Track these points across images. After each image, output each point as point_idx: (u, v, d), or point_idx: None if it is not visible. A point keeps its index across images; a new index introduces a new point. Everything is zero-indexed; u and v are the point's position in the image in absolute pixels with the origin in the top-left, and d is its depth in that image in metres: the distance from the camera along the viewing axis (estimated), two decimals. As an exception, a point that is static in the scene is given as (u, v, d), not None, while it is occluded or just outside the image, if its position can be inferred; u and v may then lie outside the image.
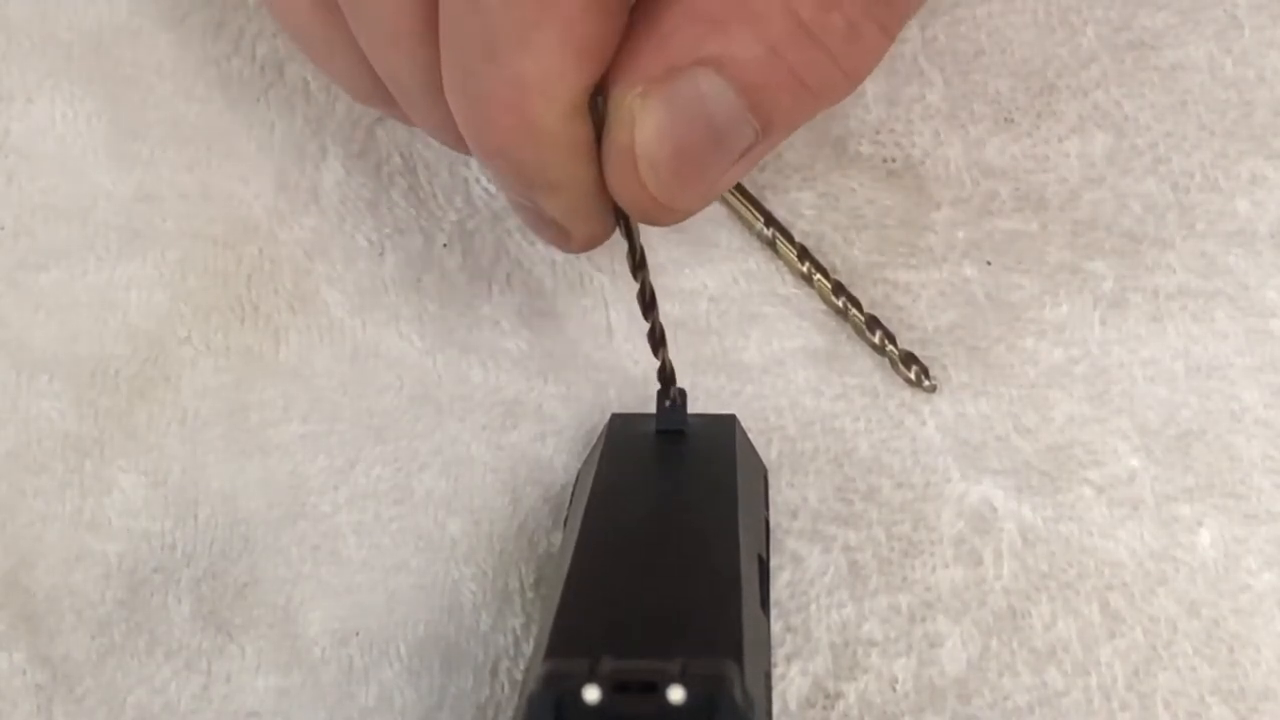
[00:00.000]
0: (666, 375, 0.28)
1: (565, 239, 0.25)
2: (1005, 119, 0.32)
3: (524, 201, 0.24)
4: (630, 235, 0.25)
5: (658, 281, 0.30)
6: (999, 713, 0.27)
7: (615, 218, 0.25)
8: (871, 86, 0.32)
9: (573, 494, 0.29)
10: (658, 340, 0.27)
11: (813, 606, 0.28)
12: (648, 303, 0.27)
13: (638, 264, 0.26)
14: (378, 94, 0.26)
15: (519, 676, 0.28)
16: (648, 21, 0.22)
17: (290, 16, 0.26)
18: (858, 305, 0.30)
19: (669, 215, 0.24)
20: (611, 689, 0.19)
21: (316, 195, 0.32)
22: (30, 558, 0.29)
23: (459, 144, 0.24)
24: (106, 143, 0.33)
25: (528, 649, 0.28)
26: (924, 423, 0.30)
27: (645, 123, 0.22)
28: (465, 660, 0.28)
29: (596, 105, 0.22)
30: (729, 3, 0.21)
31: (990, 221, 0.31)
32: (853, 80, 0.22)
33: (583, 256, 0.32)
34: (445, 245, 0.32)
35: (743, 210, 0.31)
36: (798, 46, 0.21)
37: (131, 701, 0.28)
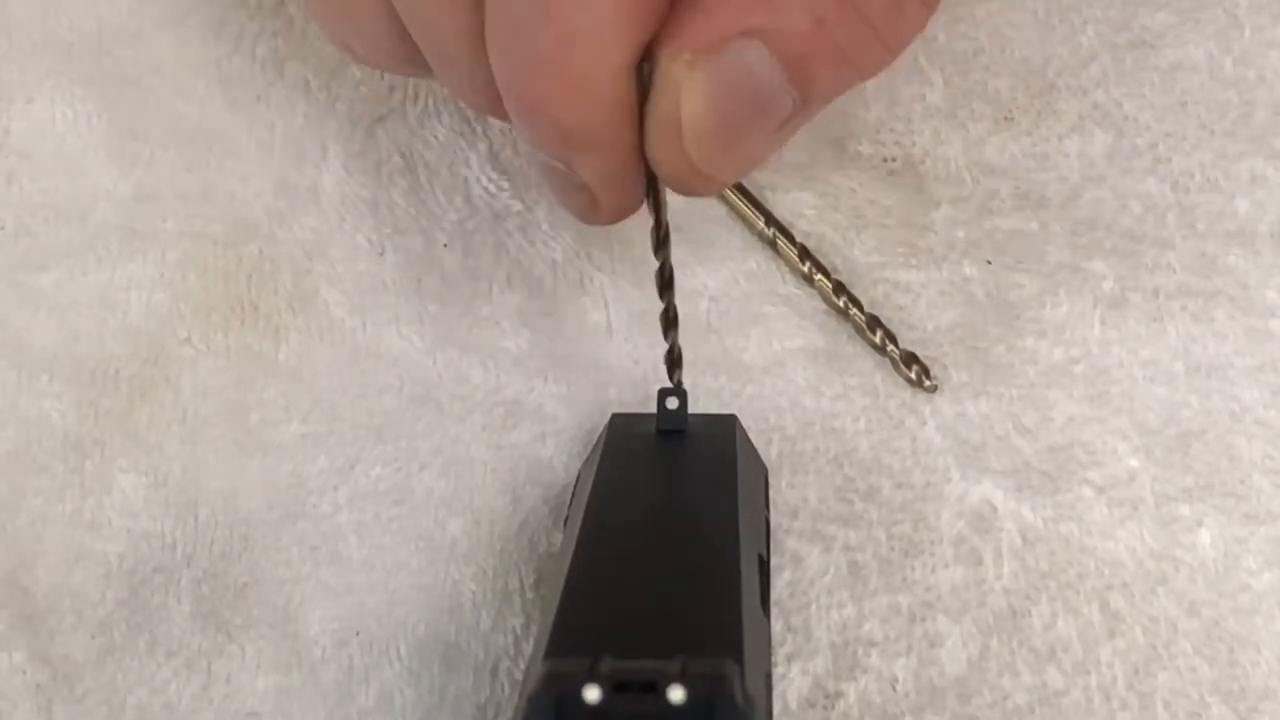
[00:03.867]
0: (675, 358, 0.28)
1: (594, 208, 0.25)
2: (1005, 118, 0.32)
3: (557, 164, 0.24)
4: (658, 210, 0.25)
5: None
6: (999, 713, 0.27)
7: (645, 190, 0.25)
8: (871, 86, 0.32)
9: (573, 494, 0.29)
10: (670, 321, 0.27)
11: (813, 606, 0.28)
12: (665, 282, 0.26)
13: (661, 241, 0.26)
14: (401, 55, 0.25)
15: (519, 676, 0.28)
16: None
17: None
18: (858, 305, 0.30)
19: (707, 185, 0.24)
20: (611, 689, 0.19)
21: (316, 195, 0.32)
22: (30, 558, 0.29)
23: (490, 104, 0.24)
24: (106, 143, 0.33)
25: (528, 649, 0.28)
26: (924, 423, 0.30)
27: (692, 91, 0.22)
28: (465, 660, 0.28)
29: (642, 71, 0.22)
30: None
31: (990, 221, 0.31)
32: (893, 53, 0.22)
33: (582, 256, 0.32)
34: (445, 245, 0.32)
35: (743, 210, 0.31)
36: (843, 20, 0.21)
37: (131, 701, 0.28)
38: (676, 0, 0.22)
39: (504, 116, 0.24)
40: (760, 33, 0.21)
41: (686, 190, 0.24)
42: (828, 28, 0.22)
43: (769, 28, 0.21)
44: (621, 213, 0.25)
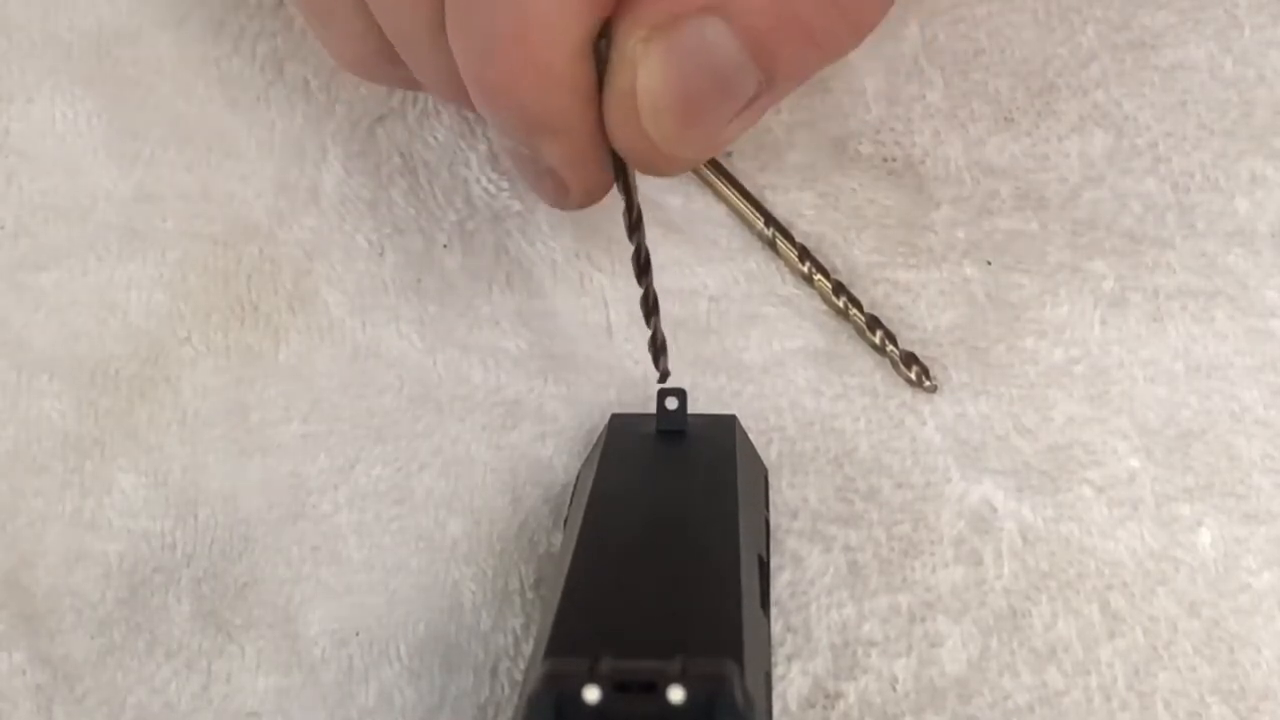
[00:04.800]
0: (659, 345, 0.27)
1: (563, 192, 0.25)
2: (1005, 118, 0.32)
3: (523, 149, 0.24)
4: (628, 192, 0.25)
5: (658, 281, 0.30)
6: (999, 713, 0.27)
7: (615, 173, 0.25)
8: (871, 86, 0.32)
9: (573, 494, 0.29)
10: (651, 307, 0.27)
11: (813, 606, 0.28)
12: (642, 266, 0.26)
13: (634, 224, 0.26)
14: (379, 56, 0.25)
15: (519, 676, 0.28)
16: None
17: None
18: (858, 305, 0.30)
19: (669, 164, 0.24)
20: (611, 689, 0.19)
21: (316, 195, 0.32)
22: (30, 558, 0.29)
23: (460, 96, 0.24)
24: (106, 143, 0.33)
25: (528, 649, 0.28)
26: (924, 423, 0.30)
27: (648, 68, 0.22)
28: (465, 660, 0.28)
29: (600, 49, 0.22)
30: None
31: (990, 221, 0.31)
32: (858, 33, 0.22)
33: (582, 256, 0.32)
34: (445, 245, 0.32)
35: (743, 210, 0.31)
36: None
37: (131, 701, 0.28)
38: None
39: (474, 107, 0.24)
40: (719, 9, 0.21)
41: (651, 170, 0.24)
42: (791, 5, 0.21)
43: (729, 4, 0.21)
44: (591, 196, 0.25)
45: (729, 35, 0.21)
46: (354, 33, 0.25)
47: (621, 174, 0.25)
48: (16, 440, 0.30)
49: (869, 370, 0.30)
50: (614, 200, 0.32)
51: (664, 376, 0.28)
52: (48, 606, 0.29)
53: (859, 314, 0.30)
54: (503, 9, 0.21)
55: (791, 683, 0.28)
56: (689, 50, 0.22)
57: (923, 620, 0.28)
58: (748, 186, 0.32)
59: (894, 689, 0.28)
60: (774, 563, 0.29)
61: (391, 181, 0.32)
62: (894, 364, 0.30)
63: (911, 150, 0.32)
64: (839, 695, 0.28)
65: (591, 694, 0.19)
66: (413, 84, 0.26)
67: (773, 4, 0.21)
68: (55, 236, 0.32)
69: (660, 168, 0.24)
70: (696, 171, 0.32)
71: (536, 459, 0.30)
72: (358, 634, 0.29)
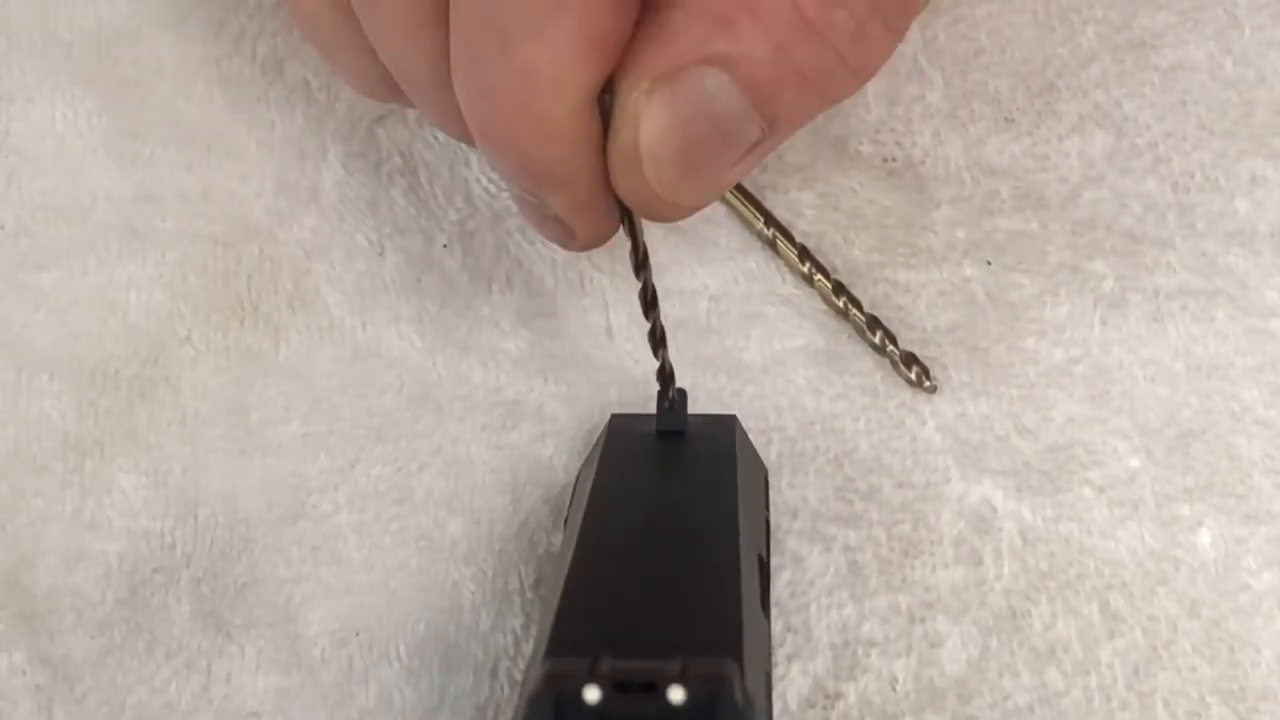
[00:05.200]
0: (666, 375, 0.28)
1: (569, 237, 0.25)
2: (1005, 118, 0.32)
3: (528, 198, 0.24)
4: (634, 234, 0.25)
5: (658, 281, 0.30)
6: (999, 713, 0.27)
7: (619, 215, 0.25)
8: (871, 86, 0.32)
9: (573, 494, 0.29)
10: (658, 340, 0.27)
11: (813, 606, 0.28)
12: (649, 302, 0.27)
13: (640, 263, 0.26)
14: (385, 86, 0.26)
15: (519, 676, 0.28)
16: (655, 18, 0.22)
17: (301, 6, 0.26)
18: (858, 305, 0.30)
19: (673, 211, 0.24)
20: (611, 689, 0.19)
21: (316, 195, 0.32)
22: (30, 558, 0.29)
23: (467, 136, 0.24)
24: (106, 143, 0.33)
25: (528, 649, 0.28)
26: (924, 423, 0.30)
27: (650, 120, 0.22)
28: (465, 660, 0.28)
29: (603, 101, 0.22)
30: (736, 1, 0.21)
31: (990, 221, 0.31)
32: (860, 78, 0.22)
33: (583, 256, 0.32)
34: (445, 245, 0.32)
35: (743, 210, 0.31)
36: (804, 45, 0.21)
37: (131, 701, 0.28)
38: (637, 29, 0.22)
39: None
40: (720, 60, 0.21)
41: (654, 217, 0.24)
42: (789, 53, 0.21)
43: (729, 55, 0.21)
44: (598, 240, 0.25)
45: (730, 86, 0.22)
46: (362, 68, 0.26)
47: (627, 217, 0.25)
48: (16, 440, 0.30)
49: (869, 370, 0.30)
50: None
51: (672, 405, 0.28)
52: (48, 606, 0.29)
53: (859, 314, 0.30)
54: (505, 65, 0.21)
55: (791, 683, 0.28)
56: (691, 101, 0.22)
57: (923, 620, 0.28)
58: (748, 186, 0.32)
59: (894, 689, 0.28)
60: (774, 563, 0.29)
61: (391, 181, 0.32)
62: (894, 364, 0.30)
63: (911, 150, 0.32)
64: (839, 695, 0.28)
65: (591, 694, 0.19)
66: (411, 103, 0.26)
67: (774, 54, 0.21)
68: (55, 236, 0.32)
69: (664, 215, 0.24)
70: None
71: (536, 459, 0.30)
72: (358, 634, 0.29)
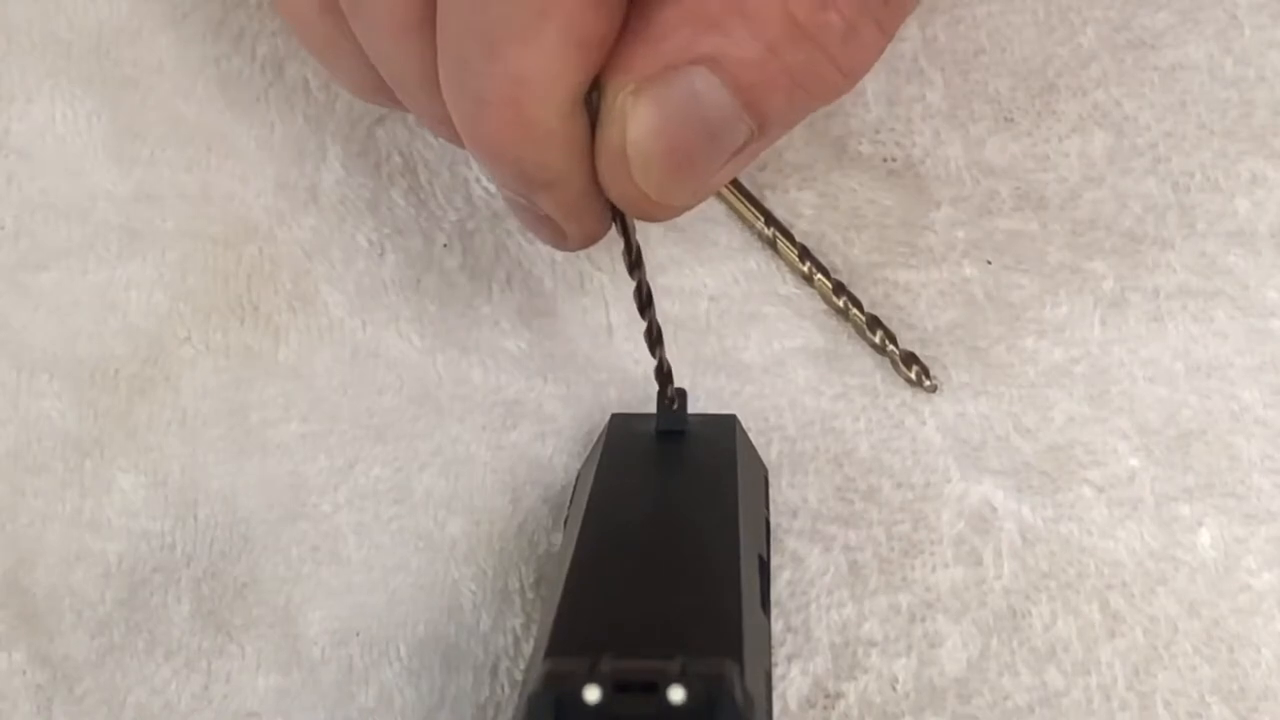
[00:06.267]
0: (664, 374, 0.28)
1: (561, 237, 0.25)
2: (1005, 118, 0.32)
3: (519, 199, 0.24)
4: (626, 233, 0.25)
5: (658, 281, 0.30)
6: (999, 713, 0.27)
7: (611, 215, 0.25)
8: (871, 86, 0.32)
9: (573, 494, 0.29)
10: (655, 339, 0.27)
11: (813, 606, 0.28)
12: (645, 301, 0.27)
13: (634, 262, 0.26)
14: (380, 90, 0.26)
15: (519, 676, 0.28)
16: (643, 19, 0.22)
17: (294, 8, 0.26)
18: (858, 305, 0.30)
19: (662, 211, 0.24)
20: (611, 689, 0.19)
21: (316, 195, 0.32)
22: (30, 558, 0.29)
23: (459, 138, 0.24)
24: (106, 143, 0.33)
25: (528, 649, 0.28)
26: (924, 423, 0.30)
27: (637, 120, 0.22)
28: (465, 660, 0.28)
29: (591, 101, 0.22)
30: (725, 2, 0.21)
31: (990, 221, 0.31)
32: (850, 79, 0.22)
33: (582, 256, 0.32)
34: (445, 245, 0.32)
35: (743, 210, 0.31)
36: (794, 46, 0.21)
37: (131, 701, 0.28)
38: (625, 30, 0.22)
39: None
40: (708, 60, 0.21)
41: (643, 216, 0.24)
42: (778, 54, 0.21)
43: (717, 55, 0.21)
44: (590, 240, 0.25)
45: (719, 87, 0.21)
46: (354, 70, 0.26)
47: (620, 216, 0.25)
48: (16, 440, 0.30)
49: (869, 370, 0.30)
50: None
51: (672, 403, 0.28)
52: (48, 606, 0.29)
53: (859, 314, 0.30)
54: (492, 69, 0.21)
55: (791, 683, 0.28)
56: (679, 102, 0.22)
57: (923, 620, 0.28)
58: (748, 186, 0.32)
59: (894, 689, 0.28)
60: (774, 563, 0.29)
61: (391, 181, 0.32)
62: (894, 364, 0.30)
63: (911, 150, 0.32)
64: (839, 695, 0.28)
65: (591, 694, 0.19)
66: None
67: (764, 54, 0.21)
68: (55, 236, 0.32)
69: (652, 214, 0.24)
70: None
71: (536, 459, 0.30)
72: (358, 634, 0.29)
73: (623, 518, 0.25)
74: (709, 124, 0.22)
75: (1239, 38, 0.33)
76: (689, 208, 0.24)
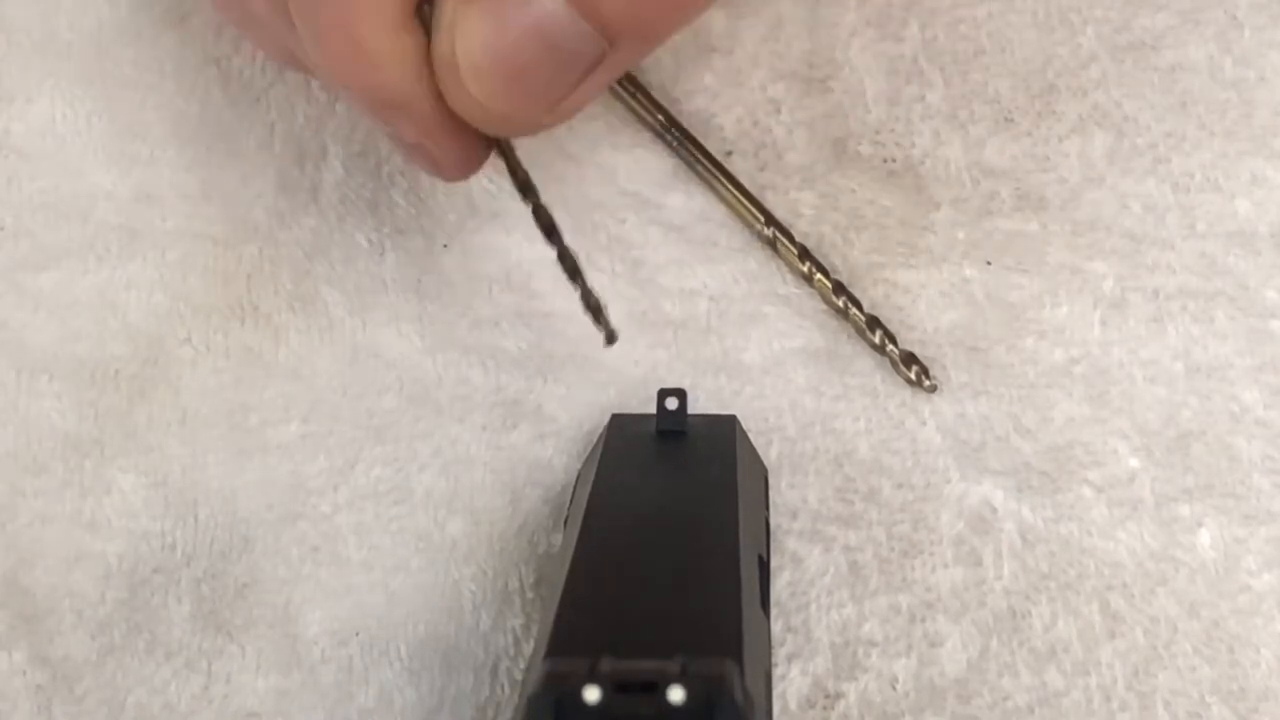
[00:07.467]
0: (592, 304, 0.26)
1: (435, 164, 0.24)
2: (1005, 119, 0.32)
3: (385, 128, 0.24)
4: (506, 156, 0.24)
5: (658, 281, 0.30)
6: (999, 713, 0.27)
7: (485, 141, 0.24)
8: (871, 86, 0.32)
9: (573, 494, 0.29)
10: (570, 267, 0.26)
11: (813, 606, 0.28)
12: (546, 227, 0.25)
13: (522, 186, 0.25)
14: (290, 56, 0.25)
15: (519, 676, 0.28)
16: None
17: None
18: (858, 305, 0.30)
19: (511, 126, 0.23)
20: (611, 689, 0.19)
21: (316, 195, 0.32)
22: (30, 558, 0.29)
23: (335, 84, 0.24)
24: (106, 143, 0.33)
25: (528, 649, 0.28)
26: (924, 423, 0.30)
27: (465, 29, 0.21)
28: (465, 660, 0.28)
29: (424, 15, 0.22)
30: None
31: (990, 221, 0.31)
32: None
33: (582, 256, 0.31)
34: (445, 245, 0.32)
35: (743, 210, 0.31)
36: None
37: (131, 701, 0.28)
38: None
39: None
40: None
41: (494, 131, 0.23)
42: None
43: None
44: (466, 165, 0.25)
45: None
46: (264, 40, 0.25)
47: (500, 141, 0.24)
48: (16, 440, 0.30)
49: (869, 370, 0.30)
50: (608, 197, 0.32)
51: (611, 338, 0.26)
52: (48, 606, 0.29)
53: (859, 314, 0.30)
54: None
55: (791, 683, 0.28)
56: (510, 11, 0.21)
57: (923, 620, 0.28)
58: (748, 186, 0.32)
59: (894, 689, 0.28)
60: (774, 563, 0.29)
61: (391, 181, 0.32)
62: (894, 364, 0.30)
63: (911, 151, 0.32)
64: (839, 695, 0.28)
65: (591, 694, 0.19)
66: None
67: None
68: (55, 236, 0.32)
69: (499, 127, 0.23)
70: (695, 169, 0.32)
71: (536, 459, 0.30)
72: (357, 634, 0.29)
73: (623, 518, 0.25)
74: (546, 35, 0.21)
75: (1239, 39, 0.33)
76: (548, 125, 0.23)
